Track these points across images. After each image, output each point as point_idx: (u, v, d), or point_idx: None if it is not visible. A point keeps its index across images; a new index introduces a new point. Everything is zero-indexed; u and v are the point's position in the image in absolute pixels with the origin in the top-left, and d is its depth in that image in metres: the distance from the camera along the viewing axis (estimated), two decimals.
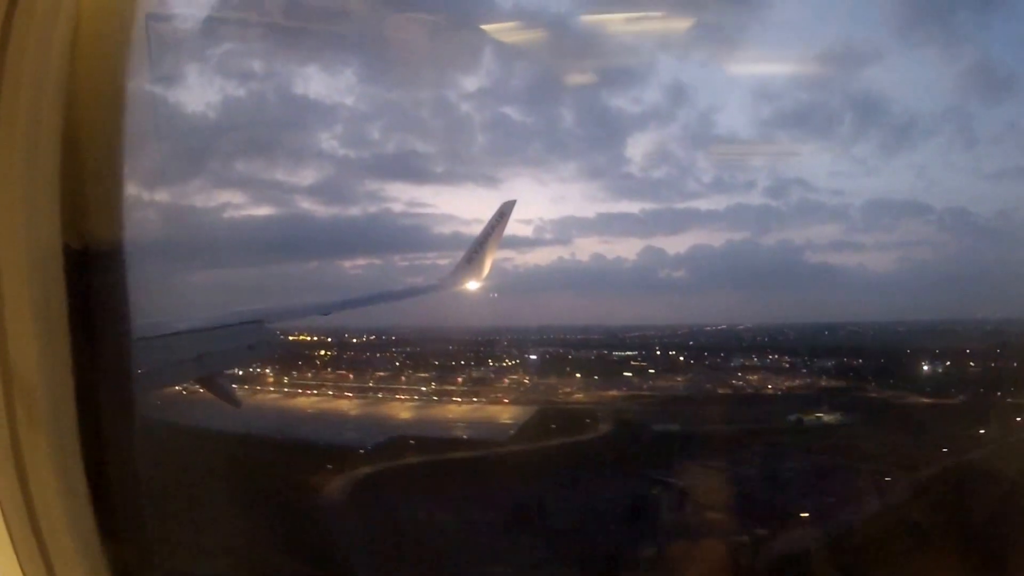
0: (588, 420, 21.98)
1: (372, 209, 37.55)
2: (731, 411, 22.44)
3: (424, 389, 24.83)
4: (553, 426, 21.41)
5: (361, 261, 37.85)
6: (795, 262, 35.59)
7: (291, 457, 17.27)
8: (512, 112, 43.41)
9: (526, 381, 25.35)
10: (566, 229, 45.42)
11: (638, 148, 49.15)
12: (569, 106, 40.64)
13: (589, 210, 50.68)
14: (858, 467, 16.12)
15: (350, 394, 24.79)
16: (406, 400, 24.59)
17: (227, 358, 9.35)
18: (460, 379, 25.37)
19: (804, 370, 25.14)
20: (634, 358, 26.90)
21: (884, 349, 25.85)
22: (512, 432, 21.23)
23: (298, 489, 15.38)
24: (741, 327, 30.60)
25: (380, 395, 24.70)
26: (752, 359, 26.44)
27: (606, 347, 27.87)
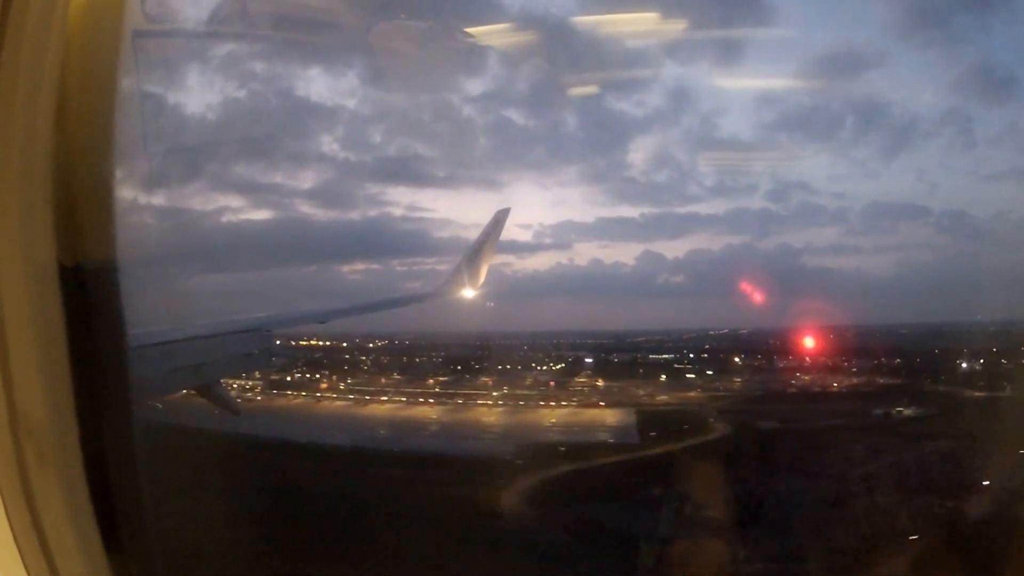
0: (696, 421, 21.84)
1: (372, 213, 37.28)
2: (815, 408, 22.55)
3: (496, 394, 24.68)
4: (672, 428, 21.23)
5: (360, 266, 37.54)
6: (794, 266, 35.50)
7: (454, 473, 17.30)
8: (515, 116, 43.31)
9: (598, 384, 25.15)
10: (565, 234, 45.25)
11: (639, 152, 48.83)
12: (572, 110, 40.59)
13: (589, 214, 50.34)
14: (979, 448, 16.33)
15: (423, 400, 24.76)
16: (490, 405, 24.41)
17: (225, 367, 9.45)
18: (528, 382, 25.13)
19: (852, 369, 25.37)
20: (675, 360, 26.83)
21: (910, 349, 26.07)
22: (637, 435, 21.13)
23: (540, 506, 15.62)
24: (744, 331, 30.62)
25: (459, 400, 24.56)
26: (787, 360, 26.55)
27: (632, 350, 27.88)
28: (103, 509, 2.44)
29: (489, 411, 23.91)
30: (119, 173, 2.75)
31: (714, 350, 27.81)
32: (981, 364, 21.97)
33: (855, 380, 24.55)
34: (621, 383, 25.06)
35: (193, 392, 8.98)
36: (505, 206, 13.50)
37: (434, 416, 23.55)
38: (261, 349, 10.08)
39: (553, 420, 23.12)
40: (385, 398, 24.79)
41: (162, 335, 7.91)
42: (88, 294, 2.47)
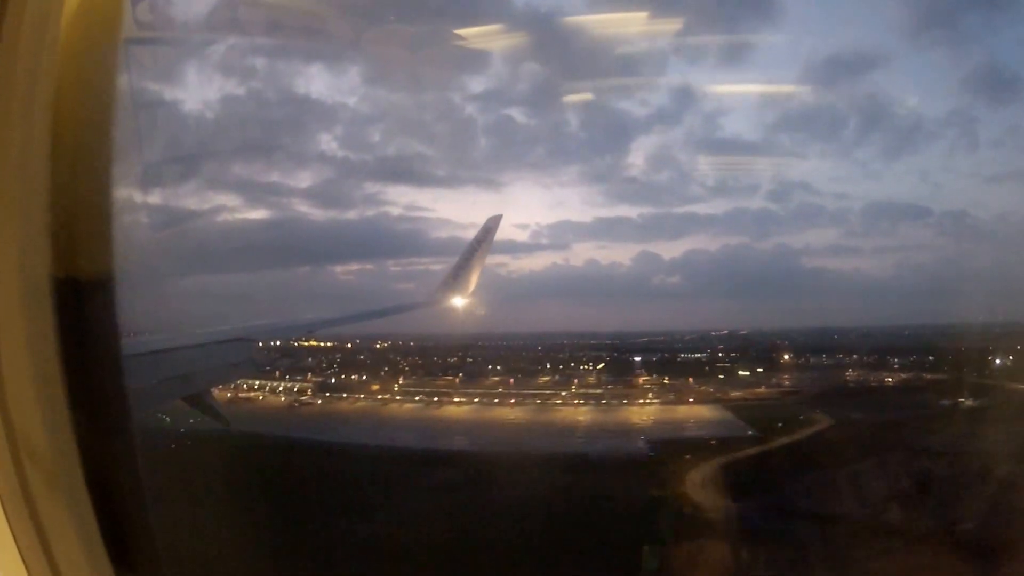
0: (790, 413, 22.23)
1: (369, 213, 37.09)
2: (886, 400, 23.12)
3: (567, 393, 24.91)
4: (776, 420, 21.61)
5: (354, 267, 37.23)
6: (792, 267, 35.58)
7: (639, 475, 17.59)
8: (516, 115, 43.10)
9: (665, 382, 25.33)
10: (562, 234, 45.06)
11: (640, 152, 48.93)
12: (574, 110, 40.54)
13: (587, 214, 50.25)
14: None
15: (498, 401, 24.92)
16: (575, 404, 24.57)
17: (213, 376, 9.41)
18: (590, 380, 25.39)
19: (894, 366, 25.70)
20: (712, 359, 27.12)
21: (939, 347, 26.49)
22: (748, 428, 21.49)
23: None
24: (743, 332, 30.87)
25: (538, 401, 24.72)
26: (822, 358, 26.93)
27: (648, 351, 28.11)
28: (111, 530, 2.44)
29: (577, 411, 24.19)
30: (117, 183, 2.74)
31: (743, 349, 28.05)
32: (1011, 360, 22.49)
33: (901, 376, 24.97)
34: (682, 381, 25.33)
35: (182, 402, 8.92)
36: (505, 205, 13.65)
37: (530, 417, 23.66)
38: (247, 359, 10.04)
39: (652, 417, 23.49)
40: (456, 400, 25.00)
41: (150, 344, 7.87)
42: (83, 307, 2.46)
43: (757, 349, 27.86)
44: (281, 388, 24.61)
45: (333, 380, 25.34)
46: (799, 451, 18.98)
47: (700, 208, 49.05)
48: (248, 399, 23.39)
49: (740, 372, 25.77)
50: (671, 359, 27.23)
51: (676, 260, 40.13)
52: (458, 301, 12.58)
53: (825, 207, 42.35)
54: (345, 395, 25.08)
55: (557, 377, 25.68)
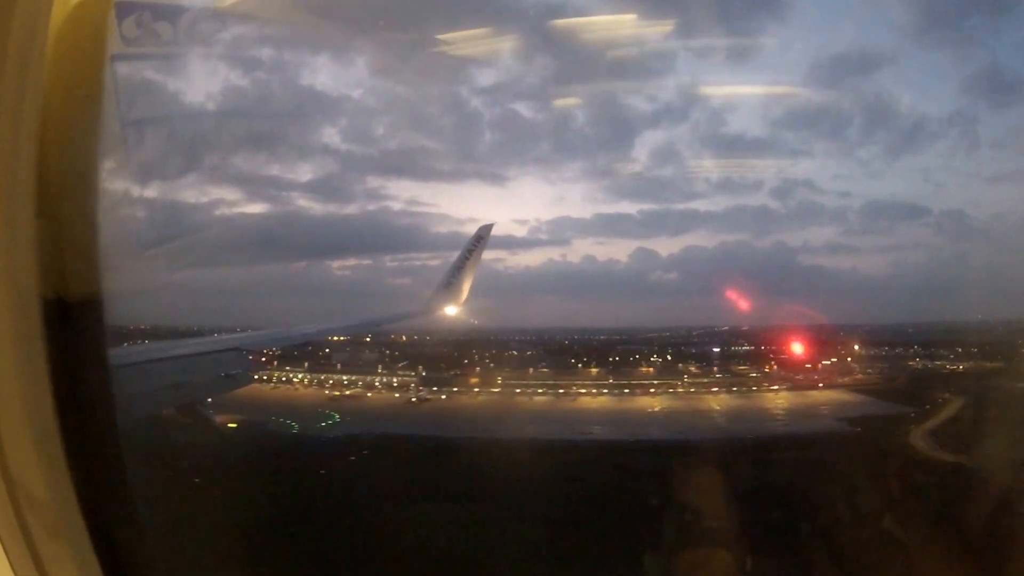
0: (916, 395, 22.01)
1: (371, 207, 36.67)
2: (975, 384, 22.45)
3: (682, 383, 24.83)
4: (915, 398, 21.51)
5: (351, 262, 36.72)
6: (789, 264, 35.48)
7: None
8: (522, 109, 42.83)
9: (770, 369, 25.21)
10: (561, 230, 44.72)
11: (643, 149, 48.82)
12: (580, 105, 40.32)
13: (587, 210, 50.08)
14: None
15: (637, 391, 24.69)
16: (711, 392, 24.43)
17: (206, 387, 9.44)
18: (695, 368, 25.29)
19: (949, 356, 25.04)
20: (763, 353, 26.54)
21: (961, 341, 26.67)
22: (906, 408, 21.12)
23: None
24: (745, 328, 30.97)
25: (671, 390, 24.52)
26: (868, 351, 26.93)
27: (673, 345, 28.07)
28: (102, 544, 2.45)
29: (719, 398, 24.00)
30: (104, 193, 2.74)
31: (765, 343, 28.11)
32: None
33: (960, 365, 24.71)
34: (771, 370, 25.13)
35: (175, 412, 8.94)
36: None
37: (686, 405, 23.52)
38: (241, 370, 10.08)
39: (803, 400, 23.40)
40: (586, 391, 24.74)
41: (144, 353, 7.91)
42: (72, 327, 2.44)
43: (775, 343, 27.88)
44: (378, 384, 24.44)
45: (426, 375, 24.85)
46: (980, 418, 17.92)
47: (701, 205, 48.64)
48: (349, 397, 23.27)
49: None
50: (729, 352, 27.09)
51: (674, 255, 39.86)
52: (451, 310, 12.63)
53: (826, 205, 42.05)
54: (456, 389, 24.51)
55: (653, 369, 25.64)
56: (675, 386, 24.63)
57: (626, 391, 24.62)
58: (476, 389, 24.45)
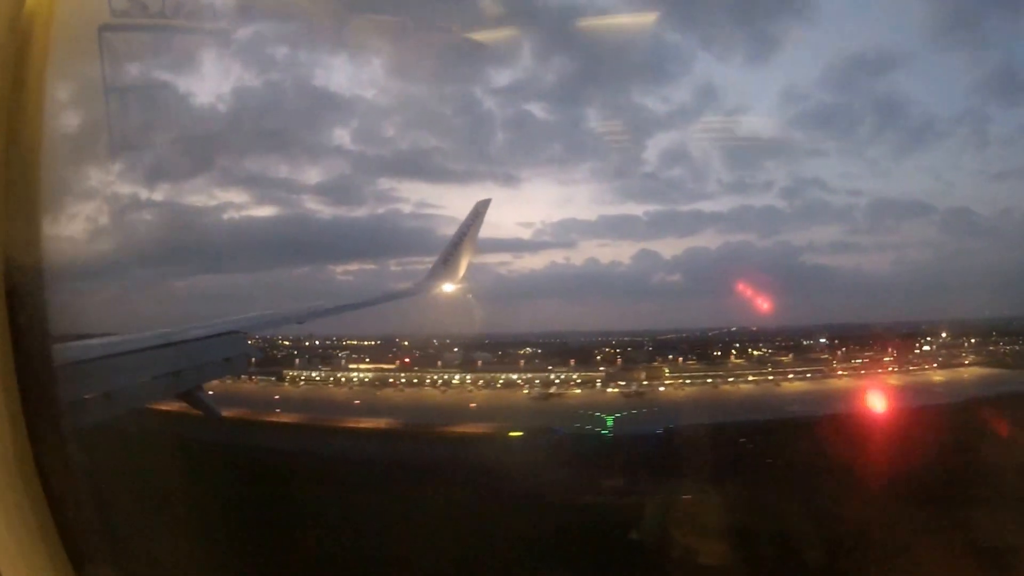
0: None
1: (380, 210, 36.34)
2: None
3: (789, 373, 25.74)
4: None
5: (354, 266, 36.59)
6: (793, 264, 35.48)
7: None
8: (535, 110, 42.27)
9: (857, 360, 26.16)
10: (566, 232, 44.36)
11: (654, 149, 48.42)
12: (593, 105, 39.83)
13: (592, 212, 49.61)
14: None
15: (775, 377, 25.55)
16: (838, 377, 25.34)
17: (205, 372, 9.31)
18: (784, 361, 25.95)
19: (990, 349, 26.21)
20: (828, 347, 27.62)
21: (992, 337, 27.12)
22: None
23: None
24: (755, 328, 31.23)
25: (770, 377, 25.60)
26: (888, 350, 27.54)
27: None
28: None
29: (841, 381, 24.87)
30: (76, 175, 2.63)
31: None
32: None
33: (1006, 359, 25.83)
34: (892, 358, 25.90)
35: (176, 399, 8.83)
36: (480, 200, 13.40)
37: (853, 385, 24.32)
38: (240, 353, 9.95)
39: (945, 379, 24.12)
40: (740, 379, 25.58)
41: (138, 342, 7.78)
42: (23, 310, 2.36)
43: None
44: (480, 382, 24.87)
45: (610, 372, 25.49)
46: None
47: (707, 205, 48.25)
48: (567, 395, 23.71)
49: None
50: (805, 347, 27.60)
51: (678, 257, 39.53)
52: (448, 287, 12.51)
53: (833, 204, 42.01)
54: (648, 383, 25.12)
55: (745, 361, 26.28)
56: (814, 373, 25.63)
57: (770, 378, 25.70)
58: (668, 381, 25.36)
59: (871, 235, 37.46)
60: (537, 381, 25.02)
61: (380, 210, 36.88)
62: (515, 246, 36.69)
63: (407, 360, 25.76)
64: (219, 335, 9.36)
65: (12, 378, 2.21)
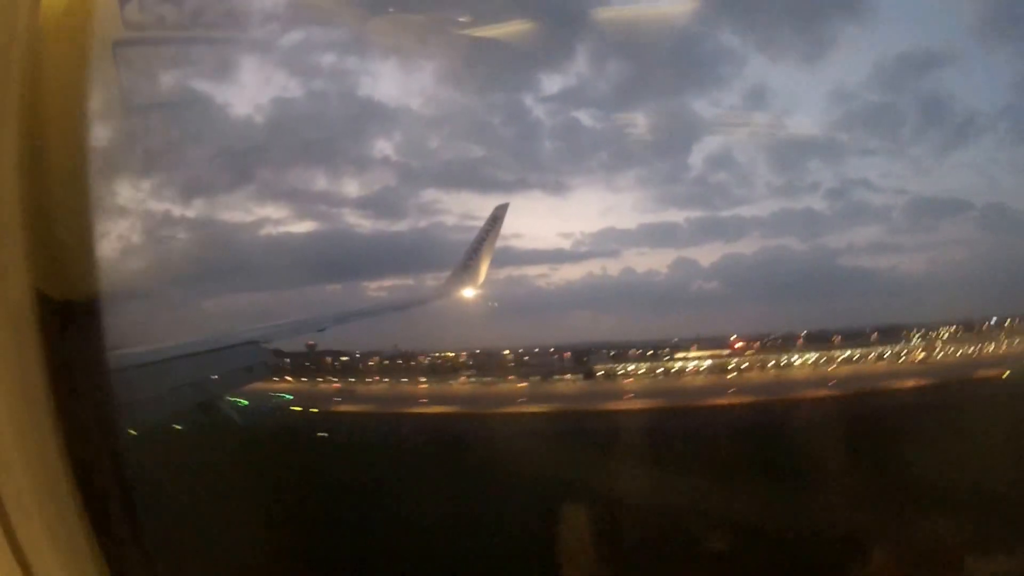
0: None
1: (422, 223, 35.93)
2: None
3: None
4: None
5: (388, 283, 36.10)
6: (830, 267, 35.14)
7: None
8: (583, 117, 41.99)
9: (940, 354, 26.52)
10: (606, 241, 43.73)
11: (700, 153, 47.85)
12: (642, 111, 39.38)
13: (633, 220, 49.01)
14: None
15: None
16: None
17: (226, 382, 9.29)
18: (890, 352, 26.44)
19: None
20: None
21: None
22: None
23: None
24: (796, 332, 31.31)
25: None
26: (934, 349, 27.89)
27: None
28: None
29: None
30: (102, 190, 2.58)
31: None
32: None
33: None
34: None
35: (196, 409, 8.81)
36: (498, 205, 13.26)
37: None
38: (259, 362, 9.93)
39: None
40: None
41: (158, 353, 7.77)
42: (67, 327, 2.29)
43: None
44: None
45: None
46: None
47: (748, 210, 47.58)
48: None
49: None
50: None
51: (716, 264, 38.83)
52: (469, 292, 12.42)
53: (872, 204, 41.48)
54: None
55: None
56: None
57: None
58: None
59: (911, 235, 36.91)
60: None
61: (422, 223, 36.47)
62: (555, 257, 36.18)
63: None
64: (235, 345, 9.35)
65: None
